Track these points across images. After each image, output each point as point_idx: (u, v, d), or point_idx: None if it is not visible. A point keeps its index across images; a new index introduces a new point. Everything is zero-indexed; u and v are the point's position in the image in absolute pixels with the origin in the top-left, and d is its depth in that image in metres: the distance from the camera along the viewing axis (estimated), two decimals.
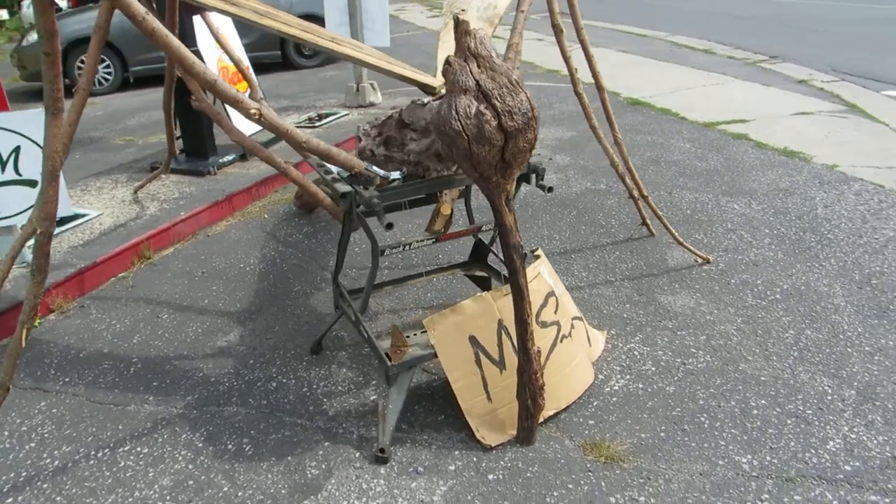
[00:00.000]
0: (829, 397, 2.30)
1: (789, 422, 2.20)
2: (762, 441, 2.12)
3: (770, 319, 2.77)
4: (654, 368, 2.50)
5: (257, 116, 2.02)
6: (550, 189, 2.37)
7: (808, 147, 4.82)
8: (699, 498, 1.91)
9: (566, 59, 3.03)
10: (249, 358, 2.69)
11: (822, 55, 8.36)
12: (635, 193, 3.31)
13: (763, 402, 2.29)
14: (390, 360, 2.19)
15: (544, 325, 2.31)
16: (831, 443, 2.10)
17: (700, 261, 3.26)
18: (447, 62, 1.96)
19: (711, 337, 2.67)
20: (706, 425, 2.20)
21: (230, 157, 4.80)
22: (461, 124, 1.84)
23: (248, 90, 3.40)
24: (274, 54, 8.88)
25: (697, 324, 2.77)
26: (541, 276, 2.37)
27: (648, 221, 3.52)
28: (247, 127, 4.36)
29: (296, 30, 2.50)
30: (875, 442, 2.09)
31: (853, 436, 2.12)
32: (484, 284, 2.83)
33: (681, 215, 3.80)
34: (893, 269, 3.11)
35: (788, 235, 3.50)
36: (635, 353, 2.60)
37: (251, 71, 4.68)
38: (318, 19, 6.17)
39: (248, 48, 5.84)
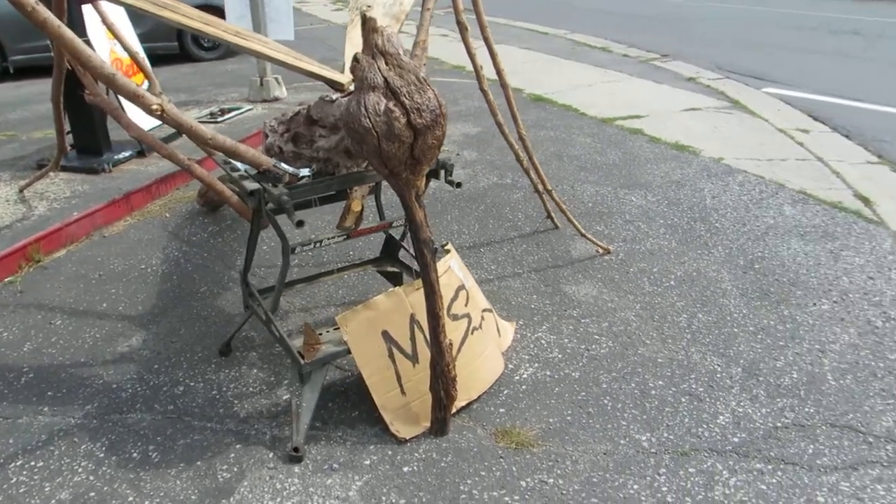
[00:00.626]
0: (718, 375, 2.48)
1: (683, 400, 2.35)
2: (660, 419, 2.26)
3: (665, 305, 2.95)
4: (560, 356, 2.61)
5: (159, 112, 1.95)
6: (459, 185, 2.42)
7: (697, 141, 5.13)
8: (603, 476, 2.02)
9: (471, 56, 3.09)
10: (154, 362, 2.59)
11: (709, 54, 8.89)
12: (540, 188, 3.42)
13: (660, 382, 2.44)
14: (303, 358, 2.18)
15: (455, 317, 2.36)
16: (721, 417, 2.27)
17: (601, 251, 3.41)
18: (355, 59, 1.97)
19: (613, 323, 2.82)
20: (609, 407, 2.32)
21: (126, 154, 4.58)
22: (371, 121, 1.85)
23: (146, 84, 3.26)
24: (170, 45, 8.50)
25: (600, 311, 2.91)
26: (451, 270, 2.41)
27: (553, 215, 3.65)
28: (145, 122, 4.17)
29: (197, 22, 2.42)
30: (759, 414, 2.28)
31: (740, 409, 2.30)
32: (396, 280, 2.85)
33: (583, 208, 3.96)
34: (773, 255, 3.38)
35: (681, 225, 3.72)
36: (543, 341, 2.71)
37: (148, 63, 4.47)
38: (216, 10, 5.97)
39: (142, 38, 5.56)
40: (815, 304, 2.94)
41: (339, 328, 2.21)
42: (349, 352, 2.19)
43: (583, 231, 3.42)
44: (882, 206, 3.96)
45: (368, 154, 1.93)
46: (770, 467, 2.05)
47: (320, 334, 2.30)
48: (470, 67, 3.15)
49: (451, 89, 6.95)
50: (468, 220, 3.85)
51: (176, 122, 1.99)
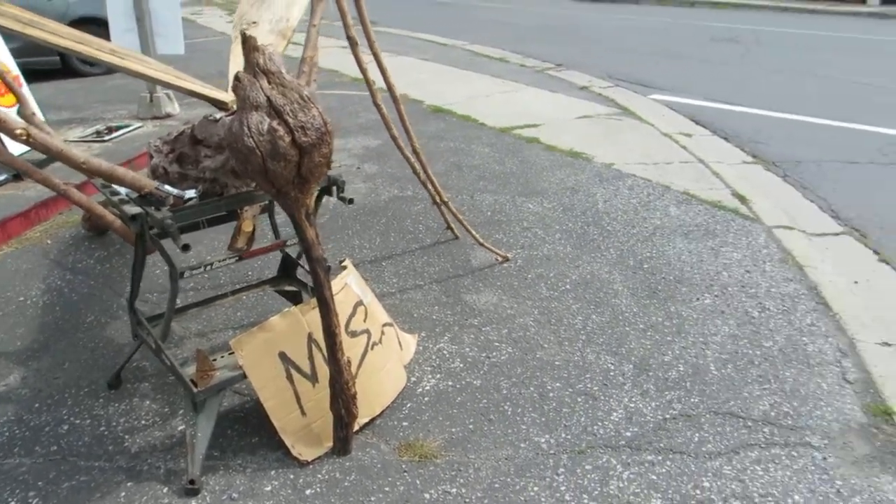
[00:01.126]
0: (611, 373, 2.59)
1: (580, 399, 2.44)
2: (557, 420, 2.33)
3: (562, 308, 3.05)
4: (462, 365, 2.65)
5: (24, 137, 1.85)
6: (351, 201, 2.42)
7: (590, 148, 5.34)
8: (504, 481, 2.06)
9: (362, 70, 3.09)
10: (34, 401, 2.44)
11: (600, 63, 9.28)
12: (437, 199, 3.47)
13: (558, 384, 2.52)
14: (196, 385, 2.11)
15: (354, 334, 2.35)
16: (614, 414, 2.37)
17: (500, 259, 3.49)
18: (237, 78, 1.93)
19: (512, 330, 2.88)
20: (510, 413, 2.38)
21: (1, 178, 4.29)
22: (254, 141, 1.83)
23: (17, 104, 3.07)
24: (52, 60, 8.02)
25: (500, 318, 2.97)
26: (348, 286, 2.41)
27: (452, 225, 3.70)
28: (18, 145, 3.93)
29: (68, 41, 2.30)
30: (649, 408, 2.39)
31: (632, 405, 2.41)
32: (295, 298, 2.81)
33: (482, 217, 4.04)
34: (660, 254, 3.56)
35: (575, 230, 3.86)
36: (444, 352, 2.74)
37: (22, 81, 4.22)
38: (101, 23, 5.70)
39: (17, 54, 5.22)
40: (698, 299, 3.12)
41: (234, 352, 2.15)
42: (245, 376, 2.14)
43: (481, 240, 3.49)
44: (757, 204, 4.25)
45: (254, 174, 1.90)
46: (660, 458, 2.16)
47: (214, 360, 2.23)
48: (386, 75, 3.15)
49: (350, 102, 6.93)
50: (369, 234, 3.84)
51: (44, 147, 1.89)
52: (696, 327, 2.89)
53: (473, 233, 3.48)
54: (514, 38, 11.87)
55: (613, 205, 4.21)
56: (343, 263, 2.50)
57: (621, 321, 2.94)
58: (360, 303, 2.43)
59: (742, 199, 4.31)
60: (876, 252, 3.66)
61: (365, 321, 2.42)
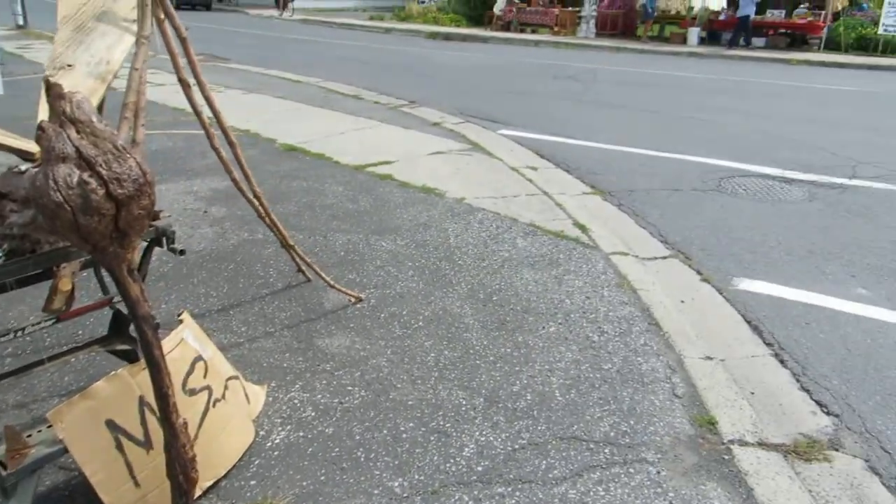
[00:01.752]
0: (463, 408, 2.62)
1: (433, 438, 2.45)
2: (411, 462, 2.32)
3: (415, 346, 3.06)
4: (313, 413, 2.58)
5: None
6: (182, 252, 2.30)
7: (442, 183, 5.47)
8: None
9: (197, 113, 2.98)
10: None
11: (452, 100, 9.60)
12: (284, 243, 3.39)
13: (411, 424, 2.52)
14: (5, 467, 1.89)
15: (193, 392, 2.22)
16: (466, 449, 2.39)
17: (353, 300, 3.46)
18: (39, 127, 1.79)
19: (365, 372, 2.86)
20: (363, 459, 2.34)
21: None
22: (62, 195, 1.70)
23: None
24: None
25: (353, 361, 2.93)
26: (185, 341, 2.27)
27: (304, 268, 3.63)
28: None
29: None
30: (500, 440, 2.45)
31: (483, 439, 2.45)
32: (129, 357, 2.61)
33: (335, 257, 4.00)
34: (509, 286, 3.69)
35: (428, 266, 3.92)
36: (296, 401, 2.65)
37: None
38: None
39: None
40: (544, 327, 3.25)
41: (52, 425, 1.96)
42: (67, 450, 1.95)
43: (332, 283, 3.44)
44: (596, 231, 4.54)
45: (64, 230, 1.76)
46: (510, 489, 2.20)
47: (29, 436, 2.02)
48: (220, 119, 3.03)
49: (198, 141, 6.65)
50: (216, 282, 3.68)
51: None
52: (542, 355, 3.01)
53: (324, 276, 3.43)
54: (369, 75, 12.02)
55: (464, 239, 4.32)
56: (180, 317, 2.37)
57: (472, 355, 3.00)
58: (198, 358, 2.30)
59: (583, 228, 4.59)
60: (699, 272, 4.01)
61: (205, 377, 2.29)
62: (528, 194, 5.31)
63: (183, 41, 2.80)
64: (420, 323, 3.27)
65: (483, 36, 22.05)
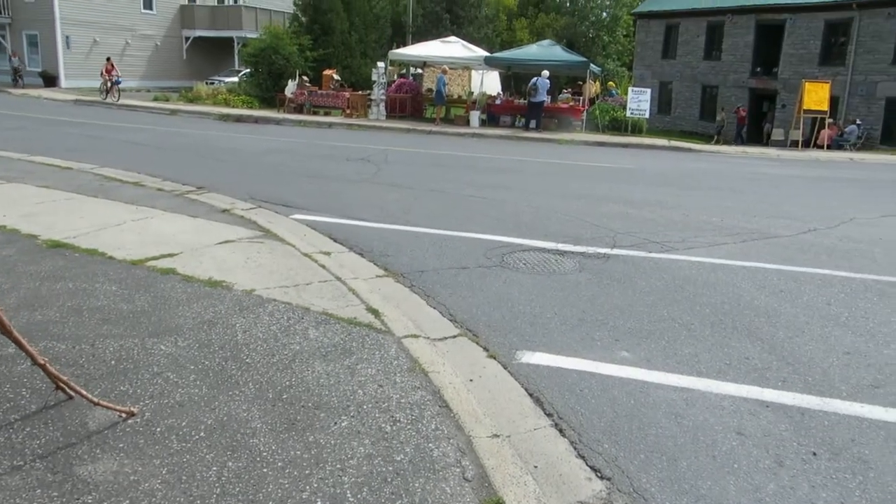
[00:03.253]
0: None
1: None
2: None
3: (195, 461, 2.82)
4: None
5: None
6: None
7: (231, 275, 5.25)
8: None
9: None
10: None
11: (244, 184, 9.40)
12: (33, 361, 3.00)
13: None
14: None
15: None
16: None
17: (124, 416, 3.13)
18: None
19: (135, 500, 2.56)
20: None
21: None
22: None
23: None
24: None
25: (120, 489, 2.62)
26: None
27: (63, 385, 3.23)
28: None
29: None
30: None
31: None
32: None
33: (105, 367, 3.62)
34: (300, 381, 3.58)
35: (212, 368, 3.69)
36: None
37: None
38: None
39: None
40: (336, 423, 3.18)
41: None
42: None
43: (95, 399, 3.09)
44: (388, 315, 4.60)
45: None
46: None
47: None
48: None
49: None
50: None
51: None
52: (334, 454, 2.92)
53: (84, 393, 3.07)
54: (152, 160, 11.42)
55: (253, 335, 4.15)
56: None
57: (259, 463, 2.83)
58: None
59: (375, 313, 4.63)
60: (485, 349, 4.21)
61: None
62: (320, 281, 5.27)
63: None
64: (201, 433, 3.03)
65: (276, 118, 22.07)
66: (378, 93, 23.14)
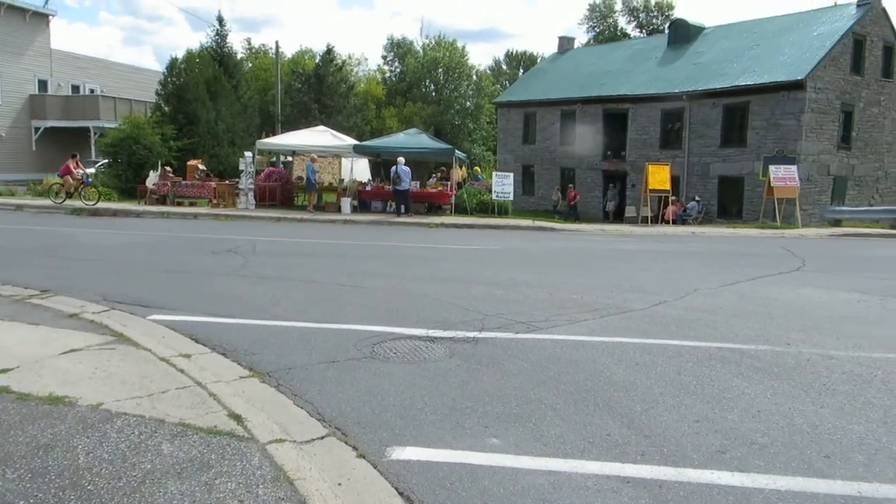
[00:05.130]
0: None
1: None
2: None
3: None
4: None
5: None
6: None
7: (75, 388, 4.82)
8: None
9: None
10: None
11: (97, 285, 8.80)
12: None
13: None
14: None
15: None
16: None
17: None
18: None
19: None
20: None
21: None
22: None
23: None
24: None
25: None
26: None
27: None
28: None
29: None
30: None
31: None
32: None
33: None
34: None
35: (47, 500, 3.31)
36: None
37: None
38: None
39: None
40: None
41: None
42: None
43: None
44: (252, 420, 4.38)
45: None
46: None
47: None
48: None
49: None
50: None
51: None
52: None
53: None
54: None
55: (98, 456, 3.79)
56: None
57: None
58: None
59: (238, 418, 4.40)
60: (355, 448, 4.09)
61: None
62: (178, 388, 4.96)
63: None
64: None
65: (136, 210, 21.13)
66: (246, 182, 22.84)
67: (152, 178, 23.73)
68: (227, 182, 24.96)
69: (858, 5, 29.19)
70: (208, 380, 5.18)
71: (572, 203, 31.07)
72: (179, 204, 23.04)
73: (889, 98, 30.81)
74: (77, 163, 23.15)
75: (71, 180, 22.37)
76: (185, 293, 8.68)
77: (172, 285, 9.25)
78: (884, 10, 29.87)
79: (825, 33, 28.48)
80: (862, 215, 24.84)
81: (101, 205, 22.12)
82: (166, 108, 31.80)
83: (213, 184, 23.80)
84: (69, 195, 22.40)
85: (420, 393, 5.11)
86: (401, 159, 21.74)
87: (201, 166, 25.62)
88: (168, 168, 24.79)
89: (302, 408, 4.73)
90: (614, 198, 32.95)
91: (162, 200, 23.03)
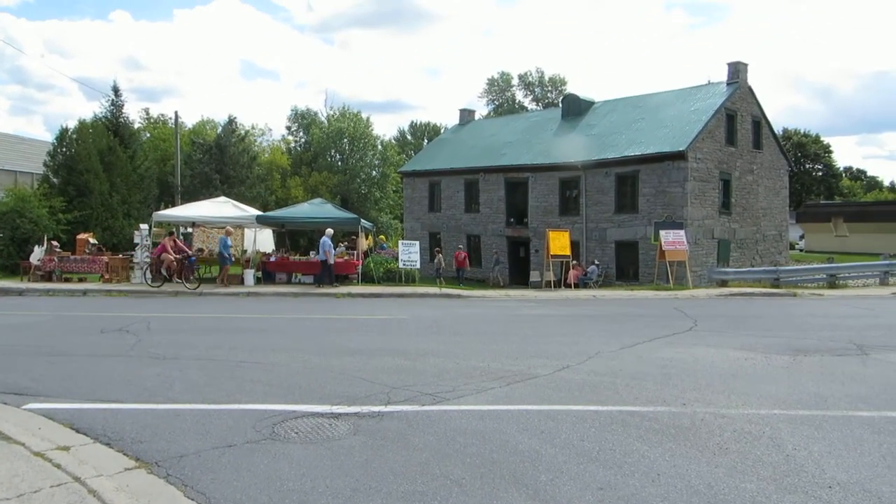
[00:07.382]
0: None
1: None
2: None
3: None
4: None
5: None
6: None
7: None
8: None
9: None
10: None
11: None
12: None
13: None
14: None
15: None
16: None
17: None
18: None
19: None
20: None
21: None
22: None
23: None
24: None
25: None
26: None
27: None
28: None
29: None
30: None
31: None
32: None
33: None
34: None
35: None
36: None
37: None
38: None
39: None
40: None
41: None
42: None
43: None
44: None
45: None
46: None
47: None
48: None
49: None
50: None
51: None
52: None
53: None
54: None
55: None
56: None
57: None
58: None
59: None
60: None
61: None
62: (53, 485, 4.53)
63: None
64: None
65: (18, 288, 19.70)
66: (141, 255, 21.85)
67: (37, 254, 22.28)
68: (120, 256, 23.79)
69: (728, 84, 32.16)
70: (88, 474, 4.76)
71: (462, 266, 30.97)
72: (67, 280, 21.67)
73: (760, 167, 33.77)
74: None
75: None
76: (67, 378, 8.06)
77: (53, 370, 8.58)
78: (750, 88, 33.05)
79: (701, 108, 31.09)
80: (745, 275, 26.60)
81: None
82: (55, 180, 30.29)
83: (105, 258, 22.60)
84: None
85: (322, 475, 4.90)
86: (329, 231, 21.66)
87: (92, 240, 24.32)
88: (55, 242, 23.40)
89: (193, 499, 4.42)
90: (503, 270, 33.81)
91: (48, 277, 21.59)
